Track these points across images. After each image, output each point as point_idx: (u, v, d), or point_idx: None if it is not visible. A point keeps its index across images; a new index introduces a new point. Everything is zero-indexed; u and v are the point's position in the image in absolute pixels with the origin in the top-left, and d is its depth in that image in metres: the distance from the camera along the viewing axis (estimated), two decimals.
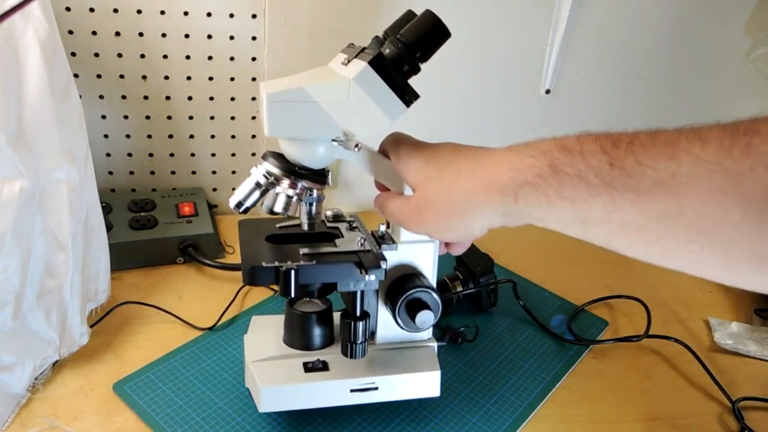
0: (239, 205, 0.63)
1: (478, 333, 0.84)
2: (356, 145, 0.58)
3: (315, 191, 0.63)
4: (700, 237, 0.38)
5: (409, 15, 0.59)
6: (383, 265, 0.63)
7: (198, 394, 0.71)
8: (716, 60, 1.12)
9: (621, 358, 0.84)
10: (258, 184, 0.62)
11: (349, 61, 0.57)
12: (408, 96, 0.56)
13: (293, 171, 0.61)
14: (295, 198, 0.62)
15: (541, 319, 0.88)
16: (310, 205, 0.64)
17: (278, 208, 0.62)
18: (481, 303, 0.89)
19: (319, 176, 0.62)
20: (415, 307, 0.65)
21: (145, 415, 0.68)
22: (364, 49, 0.57)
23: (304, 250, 0.65)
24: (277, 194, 0.62)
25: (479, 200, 0.49)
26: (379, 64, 0.54)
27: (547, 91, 1.08)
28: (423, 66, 0.57)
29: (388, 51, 0.56)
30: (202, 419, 0.68)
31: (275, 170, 0.61)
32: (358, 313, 0.66)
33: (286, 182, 0.61)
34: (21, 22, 0.63)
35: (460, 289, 0.87)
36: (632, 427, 0.74)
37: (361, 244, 0.66)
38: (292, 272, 0.60)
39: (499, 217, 0.50)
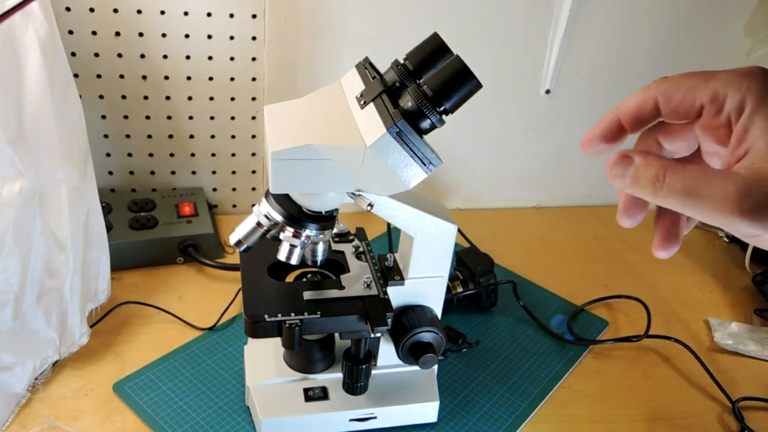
0: (239, 243, 0.59)
1: (479, 343, 0.83)
2: (369, 204, 0.55)
3: (322, 234, 0.58)
4: None
5: (434, 43, 0.53)
6: (388, 320, 0.60)
7: (198, 394, 0.71)
8: (716, 60, 1.12)
9: (621, 358, 0.84)
10: (259, 224, 0.58)
11: (365, 103, 0.52)
12: (429, 163, 0.52)
13: (297, 218, 0.56)
14: (300, 247, 0.57)
15: (541, 319, 0.88)
16: (315, 244, 0.59)
17: (281, 256, 0.58)
18: (481, 303, 0.89)
19: (326, 219, 0.58)
20: (418, 348, 0.64)
21: (145, 415, 0.68)
22: (383, 90, 0.52)
23: (307, 295, 0.61)
24: (280, 239, 0.58)
25: None
26: (399, 130, 0.49)
27: (547, 91, 1.08)
28: None
29: (410, 104, 0.51)
30: (202, 419, 0.68)
31: (277, 217, 0.57)
32: (361, 356, 0.64)
33: (289, 230, 0.57)
34: (21, 22, 0.63)
35: (460, 289, 0.87)
36: (632, 427, 0.74)
37: (367, 285, 0.63)
38: (297, 329, 0.58)
39: None
